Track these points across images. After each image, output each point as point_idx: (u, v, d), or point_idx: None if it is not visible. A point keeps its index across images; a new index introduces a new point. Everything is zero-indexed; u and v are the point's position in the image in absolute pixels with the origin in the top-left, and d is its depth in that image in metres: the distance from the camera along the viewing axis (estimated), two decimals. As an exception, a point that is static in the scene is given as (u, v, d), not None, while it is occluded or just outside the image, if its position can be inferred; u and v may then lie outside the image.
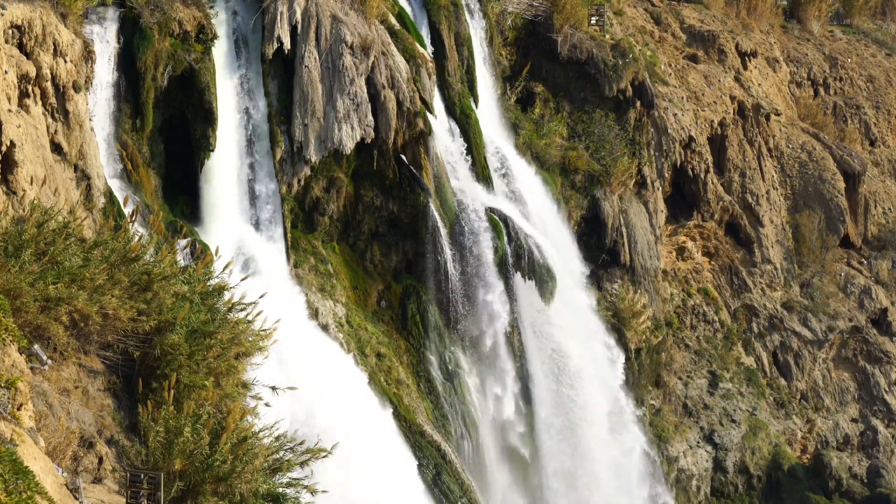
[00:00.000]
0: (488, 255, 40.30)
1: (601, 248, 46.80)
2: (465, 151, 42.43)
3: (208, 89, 34.97)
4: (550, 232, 44.14)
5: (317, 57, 37.45)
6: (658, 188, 49.52)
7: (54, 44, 29.07)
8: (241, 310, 21.55)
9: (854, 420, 53.78)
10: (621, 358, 45.58)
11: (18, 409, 15.52)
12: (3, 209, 22.32)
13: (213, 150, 35.22)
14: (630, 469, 44.92)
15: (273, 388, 21.61)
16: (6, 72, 26.96)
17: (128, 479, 17.18)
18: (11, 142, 26.16)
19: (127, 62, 33.82)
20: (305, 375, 31.92)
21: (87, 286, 19.13)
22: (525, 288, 41.36)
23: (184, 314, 19.90)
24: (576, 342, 43.38)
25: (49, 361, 18.27)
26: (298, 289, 37.11)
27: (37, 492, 13.62)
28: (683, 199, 52.00)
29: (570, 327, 43.29)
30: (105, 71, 33.19)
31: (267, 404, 21.15)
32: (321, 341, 36.46)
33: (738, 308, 52.92)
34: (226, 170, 36.19)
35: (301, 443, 19.52)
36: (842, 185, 56.52)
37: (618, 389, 45.03)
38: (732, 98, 53.79)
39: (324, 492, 19.62)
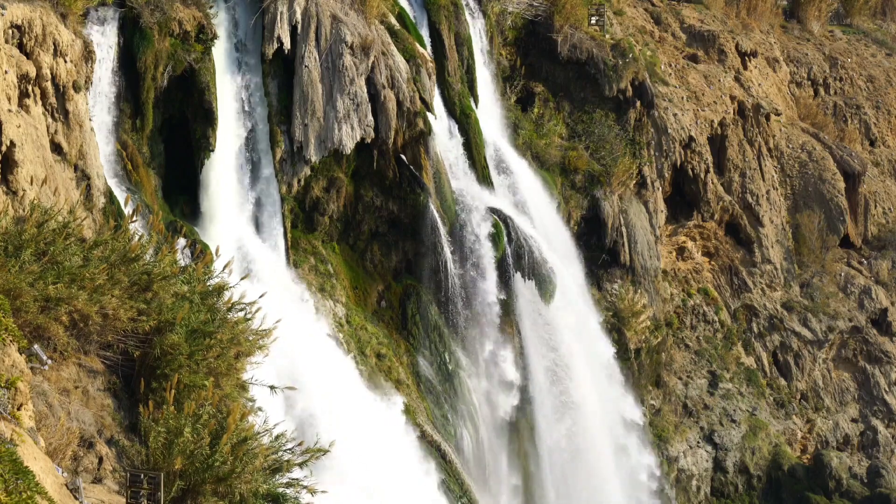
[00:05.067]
0: (488, 255, 40.31)
1: (601, 248, 46.81)
2: (465, 151, 42.44)
3: (208, 89, 34.98)
4: (550, 232, 44.14)
5: (317, 57, 37.45)
6: (658, 188, 49.52)
7: (54, 44, 29.07)
8: (241, 310, 21.55)
9: (854, 420, 53.78)
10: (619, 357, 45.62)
11: (18, 409, 15.53)
12: (3, 209, 22.33)
13: (213, 150, 35.22)
14: (630, 469, 44.94)
15: (272, 388, 21.62)
16: (6, 72, 26.97)
17: (128, 479, 17.19)
18: (11, 142, 26.18)
19: (127, 62, 33.83)
20: (305, 375, 31.95)
21: (87, 286, 19.12)
22: (525, 288, 41.36)
23: (183, 314, 19.90)
24: (576, 342, 43.37)
25: (49, 361, 18.27)
26: (298, 289, 37.11)
27: (37, 492, 13.63)
28: (683, 199, 52.00)
29: (570, 327, 43.29)
30: (105, 71, 33.20)
31: (260, 408, 21.14)
32: (321, 341, 36.45)
33: (738, 308, 52.93)
34: (226, 170, 36.19)
35: (300, 443, 19.53)
36: (842, 185, 56.52)
37: (617, 390, 45.05)
38: (732, 98, 53.80)
39: (323, 492, 19.63)
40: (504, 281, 40.68)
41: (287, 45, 36.93)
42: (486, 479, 40.26)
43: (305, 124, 37.17)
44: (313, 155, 37.34)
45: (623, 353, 46.10)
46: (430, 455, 37.07)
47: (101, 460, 18.12)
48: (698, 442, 48.90)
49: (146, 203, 32.90)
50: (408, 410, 37.51)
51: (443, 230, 39.49)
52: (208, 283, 21.74)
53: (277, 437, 19.29)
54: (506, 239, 40.78)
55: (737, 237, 53.51)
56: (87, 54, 31.48)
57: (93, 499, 16.74)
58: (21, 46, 28.32)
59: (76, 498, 15.84)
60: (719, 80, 53.86)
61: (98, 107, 32.85)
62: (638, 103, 48.72)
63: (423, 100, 39.34)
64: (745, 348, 52.44)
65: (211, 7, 36.04)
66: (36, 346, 18.00)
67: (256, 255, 35.79)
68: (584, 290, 45.46)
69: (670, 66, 53.63)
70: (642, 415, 46.60)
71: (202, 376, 19.51)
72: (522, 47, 48.49)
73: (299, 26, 37.31)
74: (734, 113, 53.71)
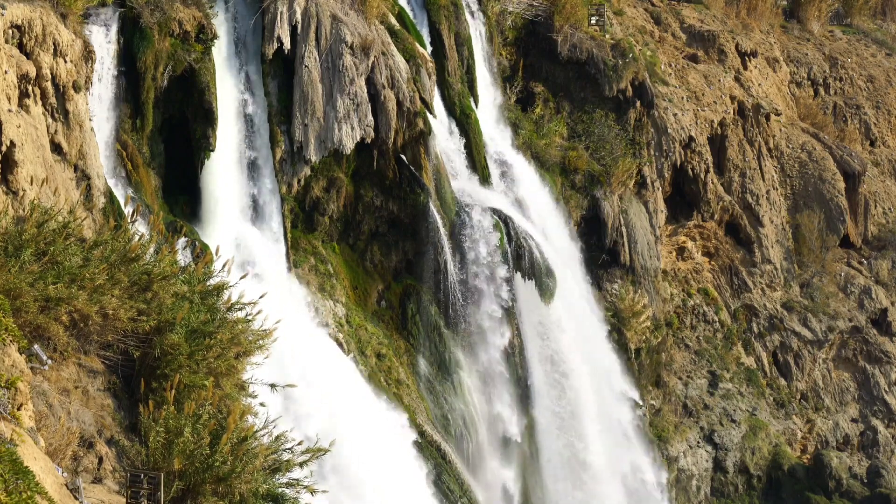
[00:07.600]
0: (488, 256, 40.30)
1: (601, 248, 46.81)
2: (465, 151, 42.45)
3: (208, 89, 34.98)
4: (550, 232, 44.15)
5: (317, 57, 37.45)
6: (658, 188, 49.53)
7: (54, 44, 29.07)
8: (240, 309, 21.55)
9: (854, 420, 53.79)
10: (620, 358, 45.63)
11: (18, 409, 15.53)
12: (3, 209, 22.32)
13: (213, 150, 35.22)
14: (629, 468, 44.94)
15: (272, 386, 21.62)
16: (6, 72, 26.97)
17: (128, 479, 17.20)
18: (11, 142, 26.17)
19: (127, 62, 33.83)
20: (305, 375, 31.96)
21: (87, 286, 19.13)
22: (525, 288, 41.36)
23: (183, 314, 19.90)
24: (575, 342, 43.38)
25: (49, 361, 18.28)
26: (298, 289, 37.11)
27: (37, 492, 13.63)
28: (683, 199, 52.01)
29: (570, 327, 43.29)
30: (105, 71, 33.20)
31: (262, 404, 21.14)
32: (321, 341, 36.45)
33: (738, 308, 52.93)
34: (226, 170, 36.19)
35: (300, 442, 19.53)
36: (842, 185, 56.53)
37: (617, 389, 45.06)
38: (732, 98, 53.80)
39: (324, 492, 19.64)
40: (504, 281, 40.66)
41: (287, 45, 36.93)
42: (486, 478, 40.25)
43: (305, 124, 37.17)
44: (313, 155, 37.34)
45: (623, 353, 46.11)
46: (429, 454, 37.09)
47: (101, 460, 18.13)
48: (698, 442, 48.90)
49: (146, 203, 32.90)
50: (407, 409, 37.53)
51: (443, 230, 39.50)
52: (208, 283, 21.74)
53: (277, 437, 19.29)
54: (506, 239, 40.78)
55: (737, 237, 53.52)
56: (87, 54, 31.47)
57: (93, 499, 16.74)
58: (21, 46, 28.31)
59: (76, 498, 15.85)
60: (719, 80, 53.86)
61: (98, 107, 32.85)
62: (638, 103, 48.73)
63: (423, 100, 39.35)
64: (745, 348, 52.45)
65: (211, 7, 36.04)
66: (36, 346, 18.01)
67: (256, 255, 35.79)
68: (584, 290, 45.45)
69: (670, 66, 53.63)
70: (642, 414, 46.61)
71: (202, 376, 19.52)
72: (522, 47, 48.49)
73: (299, 26, 37.31)
74: (734, 113, 53.71)
